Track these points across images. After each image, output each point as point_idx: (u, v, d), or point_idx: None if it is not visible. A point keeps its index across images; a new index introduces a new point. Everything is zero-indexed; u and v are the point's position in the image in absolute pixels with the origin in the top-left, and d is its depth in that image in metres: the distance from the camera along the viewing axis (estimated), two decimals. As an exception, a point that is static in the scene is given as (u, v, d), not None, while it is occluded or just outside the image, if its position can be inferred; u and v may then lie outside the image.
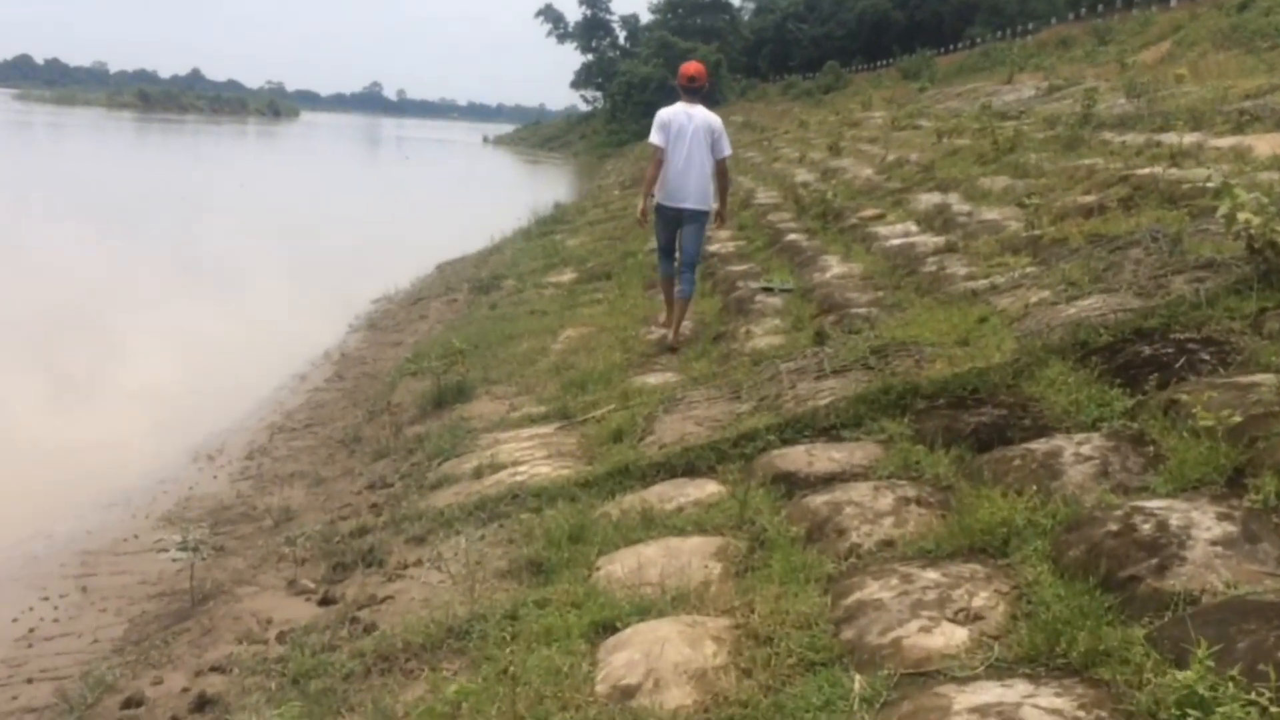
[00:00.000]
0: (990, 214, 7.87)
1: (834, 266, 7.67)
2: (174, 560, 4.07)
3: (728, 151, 6.69)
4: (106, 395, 7.63)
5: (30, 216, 17.86)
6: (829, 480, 3.98)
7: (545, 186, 31.10)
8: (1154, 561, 2.79)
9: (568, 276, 10.58)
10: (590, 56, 68.76)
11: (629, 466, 4.46)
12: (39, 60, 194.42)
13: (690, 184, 6.54)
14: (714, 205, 6.91)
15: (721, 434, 4.57)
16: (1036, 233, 6.58)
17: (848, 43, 49.19)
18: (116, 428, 6.71)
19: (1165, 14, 22.60)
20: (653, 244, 8.35)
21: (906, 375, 4.65)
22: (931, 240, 7.63)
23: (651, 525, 3.90)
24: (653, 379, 5.86)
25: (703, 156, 6.53)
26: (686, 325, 6.97)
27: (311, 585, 4.08)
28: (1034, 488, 3.46)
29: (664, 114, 6.66)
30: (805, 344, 5.73)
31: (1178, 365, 4.04)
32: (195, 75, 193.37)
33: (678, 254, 6.81)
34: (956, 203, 8.70)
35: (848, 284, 7.02)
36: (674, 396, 5.28)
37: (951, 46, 37.03)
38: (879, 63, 41.22)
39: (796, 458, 4.18)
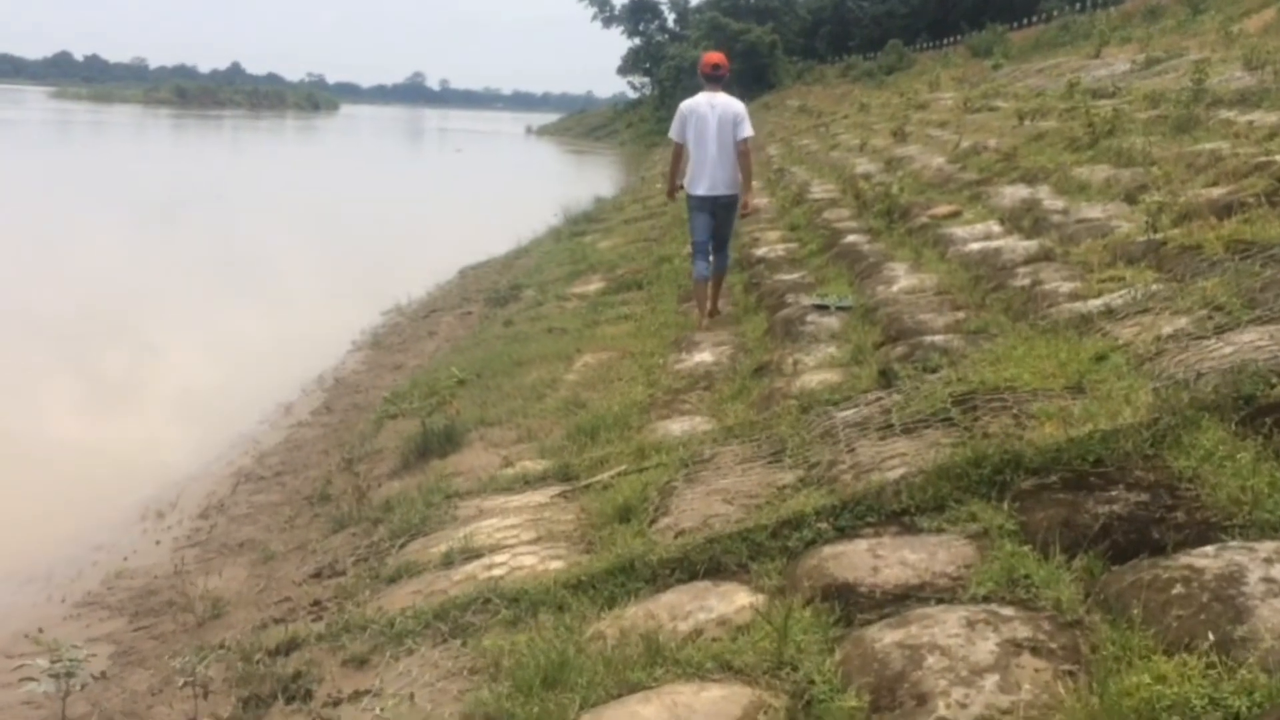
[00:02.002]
0: (1091, 212, 6.60)
1: (902, 277, 6.47)
2: (44, 694, 3.13)
3: (747, 133, 6.71)
4: (61, 429, 6.75)
5: (29, 217, 17.10)
6: (902, 598, 2.95)
7: (586, 180, 30.00)
8: None
9: (594, 286, 9.50)
10: (638, 41, 66.98)
11: (635, 562, 3.42)
12: (78, 57, 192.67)
13: (719, 172, 6.66)
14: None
15: (757, 518, 3.50)
16: (1158, 237, 5.33)
17: (912, 20, 47.12)
18: (62, 472, 5.85)
19: (1265, -22, 20.58)
20: (689, 248, 7.58)
21: (1004, 438, 3.52)
22: (1021, 245, 6.36)
23: (657, 660, 2.88)
24: (677, 426, 4.77)
25: (729, 143, 6.63)
26: (723, 304, 7.20)
27: (212, 729, 3.12)
28: (1209, 636, 2.37)
29: (685, 106, 6.76)
30: (867, 384, 4.59)
31: (1397, 438, 2.92)
32: (235, 69, 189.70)
33: (711, 255, 6.91)
34: (1047, 197, 7.42)
35: (919, 301, 5.81)
36: (700, 455, 4.20)
37: (1025, 21, 34.84)
38: (946, 40, 39.11)
39: (857, 560, 3.13)
